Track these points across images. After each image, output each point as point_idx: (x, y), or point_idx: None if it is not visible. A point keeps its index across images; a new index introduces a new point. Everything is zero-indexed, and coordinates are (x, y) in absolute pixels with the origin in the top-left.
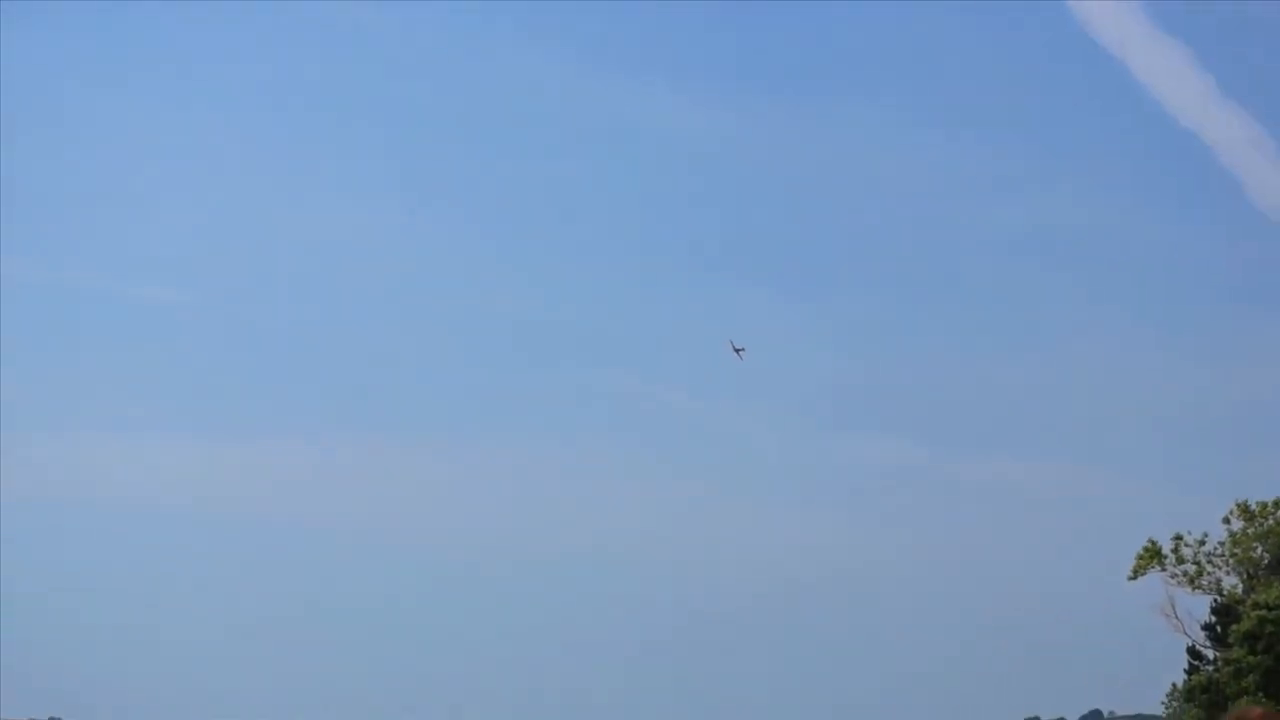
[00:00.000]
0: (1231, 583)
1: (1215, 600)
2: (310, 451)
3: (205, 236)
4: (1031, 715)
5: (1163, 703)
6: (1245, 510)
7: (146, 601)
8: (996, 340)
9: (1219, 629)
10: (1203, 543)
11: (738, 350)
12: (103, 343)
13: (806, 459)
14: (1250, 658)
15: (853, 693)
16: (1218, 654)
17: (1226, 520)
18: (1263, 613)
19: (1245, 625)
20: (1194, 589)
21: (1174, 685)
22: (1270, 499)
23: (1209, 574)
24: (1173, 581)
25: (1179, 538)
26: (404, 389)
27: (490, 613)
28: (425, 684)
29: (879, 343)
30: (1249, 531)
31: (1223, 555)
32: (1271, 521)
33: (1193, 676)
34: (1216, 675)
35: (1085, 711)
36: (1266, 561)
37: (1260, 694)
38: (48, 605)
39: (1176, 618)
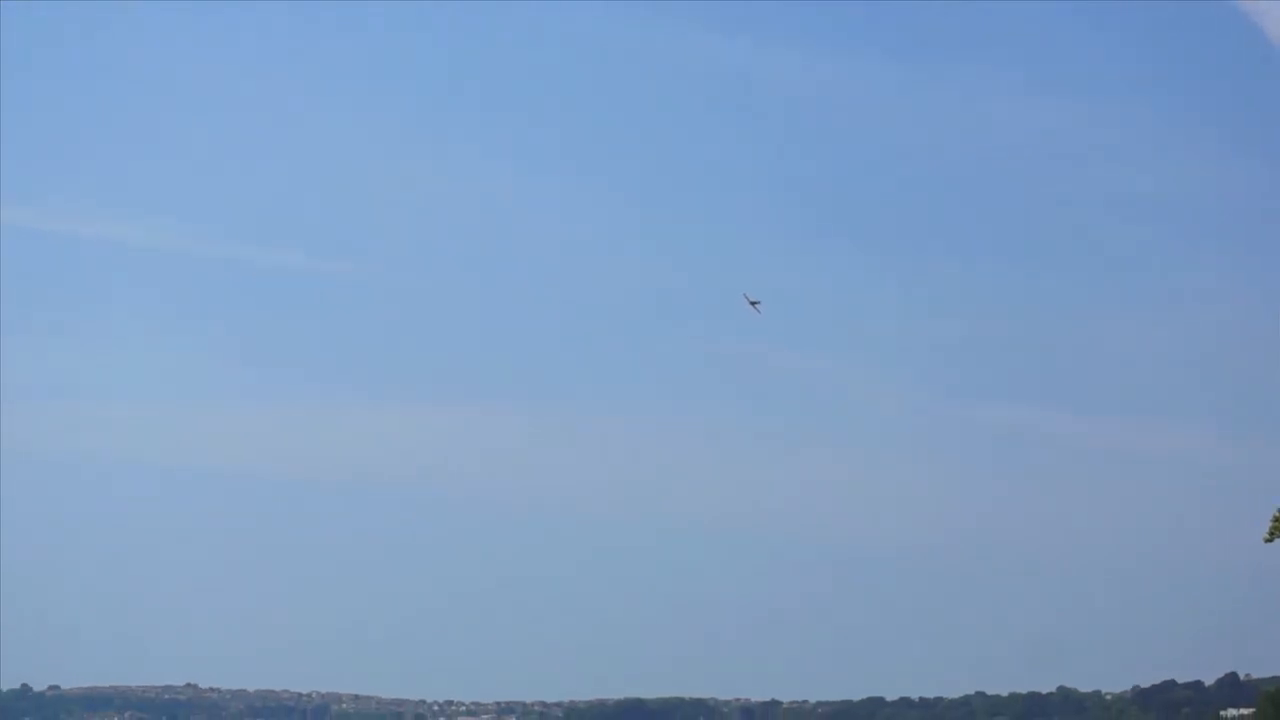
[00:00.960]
0: None
1: None
2: (447, 419)
3: (369, 209)
4: (1167, 678)
5: None
6: None
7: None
8: (1123, 303)
9: None
10: None
11: (753, 303)
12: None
13: (932, 422)
14: None
15: (987, 650)
16: None
17: None
18: None
19: None
20: None
21: None
22: None
23: None
24: None
25: None
26: (547, 358)
27: (628, 577)
28: (577, 650)
29: (998, 306)
30: None
31: None
32: None
33: None
34: None
35: (1221, 674)
36: None
37: None
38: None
39: None
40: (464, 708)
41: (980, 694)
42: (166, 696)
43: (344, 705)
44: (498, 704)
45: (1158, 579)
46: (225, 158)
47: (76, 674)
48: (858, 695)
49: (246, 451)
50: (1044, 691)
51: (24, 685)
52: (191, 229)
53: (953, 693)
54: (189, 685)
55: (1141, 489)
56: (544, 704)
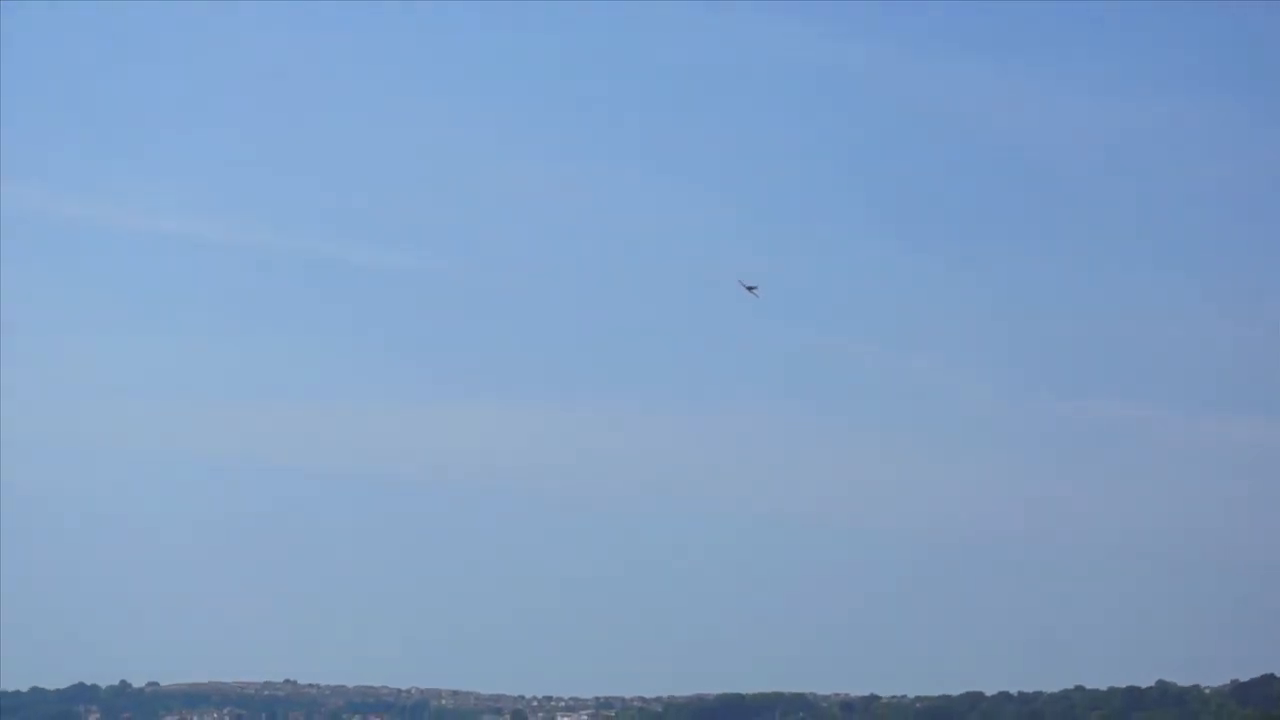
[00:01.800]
0: None
1: None
2: (540, 416)
3: (458, 207)
4: (1266, 672)
5: None
6: None
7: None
8: (1214, 299)
9: None
10: None
11: (750, 288)
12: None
13: (1015, 415)
14: None
15: (1085, 645)
16: None
17: None
18: None
19: None
20: None
21: None
22: None
23: None
24: None
25: None
26: (634, 353)
27: (728, 572)
28: (676, 645)
29: (1074, 300)
30: None
31: None
32: None
33: None
34: None
35: None
36: None
37: None
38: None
39: None
40: (562, 703)
41: (1079, 688)
42: (265, 693)
43: (443, 701)
44: (596, 699)
45: (1257, 572)
46: (323, 156)
47: (175, 671)
48: (956, 690)
49: (346, 450)
50: (1143, 686)
51: (123, 682)
52: (277, 226)
53: (1051, 687)
54: (288, 681)
55: (1234, 482)
56: (643, 699)
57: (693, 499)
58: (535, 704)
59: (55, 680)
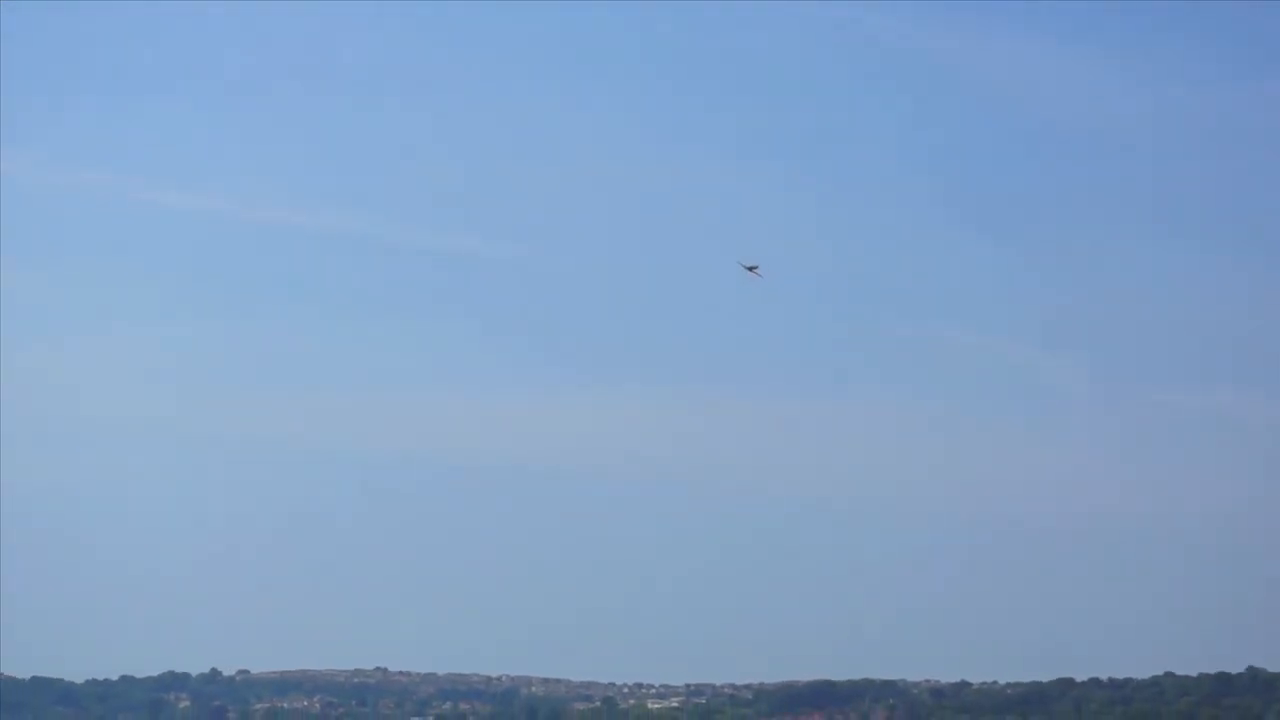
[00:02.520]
0: None
1: None
2: (635, 405)
3: (550, 193)
4: None
5: None
6: None
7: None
8: None
9: None
10: None
11: (750, 269)
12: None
13: (1111, 404)
14: None
15: (1175, 631)
16: None
17: None
18: None
19: None
20: None
21: None
22: None
23: None
24: None
25: None
26: (731, 343)
27: (817, 559)
28: (767, 632)
29: (1173, 289)
30: None
31: None
32: None
33: None
34: None
35: None
36: None
37: None
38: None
39: None
40: (653, 690)
41: (1169, 674)
42: (356, 680)
43: (534, 689)
44: (687, 686)
45: None
46: (410, 145)
47: (266, 658)
48: (1047, 676)
49: (434, 437)
50: (1233, 672)
51: (213, 670)
52: (371, 215)
53: (1142, 673)
54: (378, 669)
55: None
56: (734, 686)
57: (784, 486)
58: (626, 691)
59: (146, 668)
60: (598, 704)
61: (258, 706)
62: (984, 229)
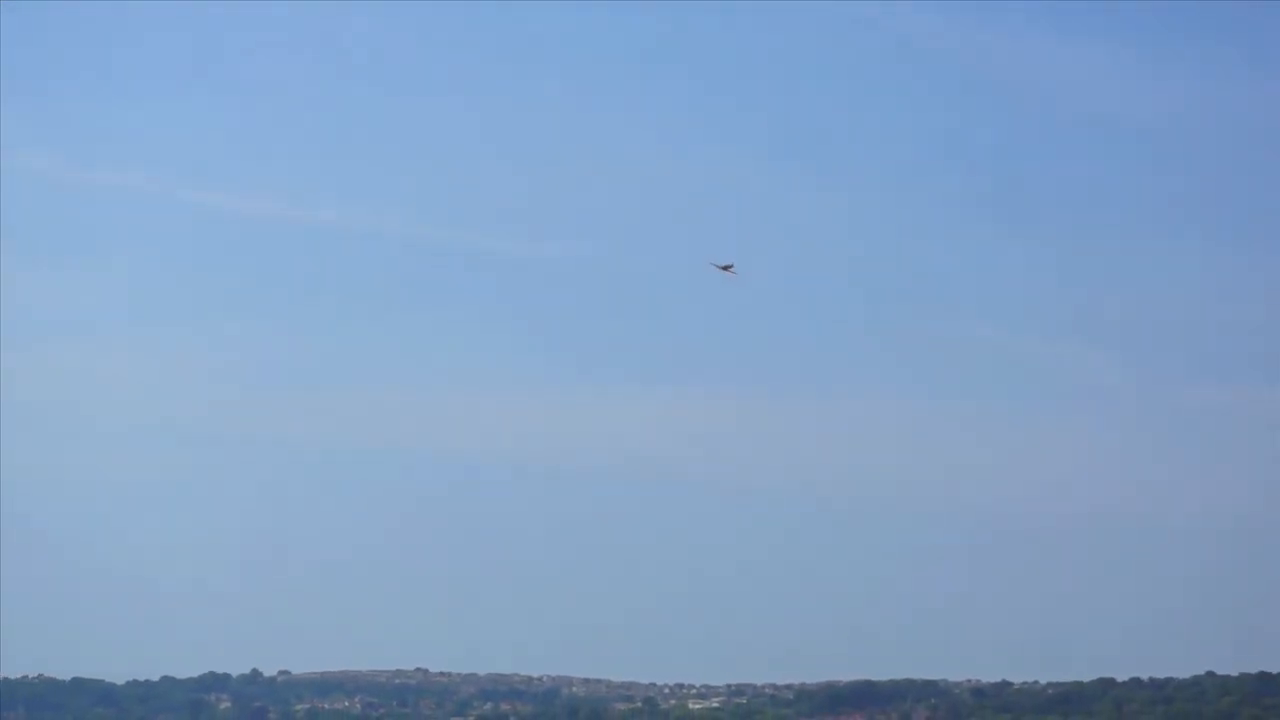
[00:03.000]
0: None
1: None
2: (678, 404)
3: (604, 194)
4: None
5: None
6: None
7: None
8: None
9: None
10: None
11: (725, 268)
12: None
13: (1157, 401)
14: None
15: (1216, 631)
16: None
17: None
18: None
19: None
20: None
21: None
22: None
23: None
24: None
25: None
26: (776, 343)
27: (857, 559)
28: (807, 632)
29: (1214, 286)
30: None
31: None
32: None
33: None
34: None
35: None
36: None
37: None
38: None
39: None
40: (695, 690)
41: (1210, 674)
42: (397, 681)
43: (574, 689)
44: (728, 686)
45: None
46: (468, 147)
47: (307, 659)
48: (1088, 676)
49: (474, 436)
50: (1274, 671)
51: (254, 670)
52: (451, 219)
53: (1182, 673)
54: (419, 669)
55: None
56: (775, 686)
57: (824, 485)
58: (667, 691)
59: (186, 669)
60: (639, 704)
61: (299, 707)
62: (1014, 225)
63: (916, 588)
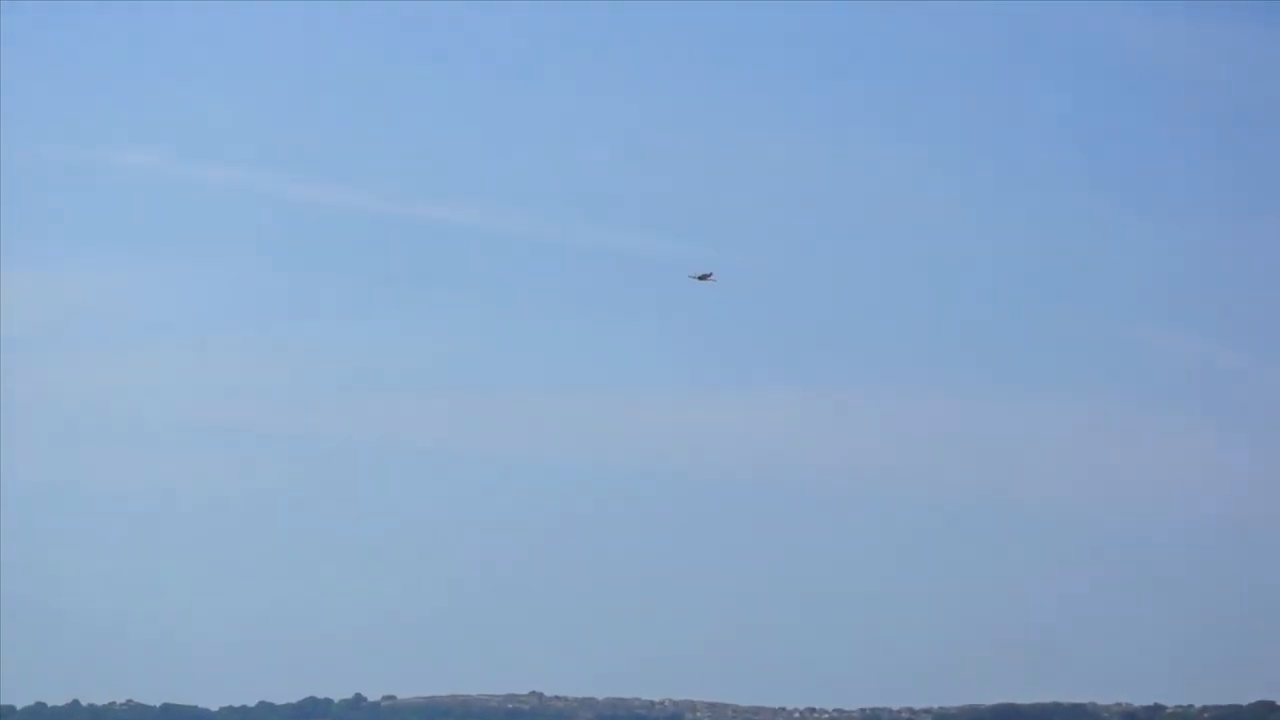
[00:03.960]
0: None
1: None
2: (801, 411)
3: (723, 194)
4: None
5: None
6: None
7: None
8: None
9: None
10: None
11: (702, 277)
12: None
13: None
14: None
15: None
16: None
17: None
18: None
19: None
20: None
21: None
22: None
23: None
24: None
25: None
26: (898, 344)
27: (1000, 577)
28: (946, 653)
29: None
30: None
31: None
32: None
33: None
34: None
35: None
36: None
37: None
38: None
39: None
40: (826, 715)
41: None
42: (510, 705)
43: (698, 713)
44: (862, 710)
45: None
46: (560, 141)
47: (413, 683)
48: (1246, 699)
49: (593, 448)
50: None
51: (357, 695)
52: (533, 214)
53: None
54: (533, 693)
55: None
56: (911, 710)
57: (967, 497)
58: (797, 715)
59: (285, 694)
60: None
61: None
62: (1159, 220)
63: (1063, 604)
